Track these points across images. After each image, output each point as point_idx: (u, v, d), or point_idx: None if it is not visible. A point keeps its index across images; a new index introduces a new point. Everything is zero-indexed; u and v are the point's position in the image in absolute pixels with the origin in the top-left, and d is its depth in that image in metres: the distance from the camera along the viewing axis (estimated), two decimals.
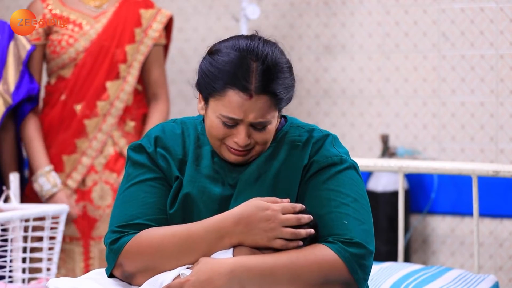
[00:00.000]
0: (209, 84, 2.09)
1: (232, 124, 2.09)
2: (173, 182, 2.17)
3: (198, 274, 1.99)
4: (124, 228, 2.10)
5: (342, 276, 2.01)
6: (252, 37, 2.13)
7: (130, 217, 2.12)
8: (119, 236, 2.10)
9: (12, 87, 3.33)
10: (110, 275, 2.13)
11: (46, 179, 3.44)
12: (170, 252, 2.05)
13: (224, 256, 2.03)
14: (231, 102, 2.06)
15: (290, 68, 2.15)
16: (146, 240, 2.06)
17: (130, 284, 2.13)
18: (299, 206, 2.05)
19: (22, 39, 3.39)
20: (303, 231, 2.02)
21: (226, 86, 2.06)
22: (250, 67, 2.06)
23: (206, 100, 2.13)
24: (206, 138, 2.19)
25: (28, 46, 3.39)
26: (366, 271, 2.04)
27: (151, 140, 2.21)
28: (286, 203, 2.05)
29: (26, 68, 3.40)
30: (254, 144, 2.12)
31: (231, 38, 2.15)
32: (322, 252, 2.01)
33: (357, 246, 2.03)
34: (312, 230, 2.03)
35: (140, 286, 2.08)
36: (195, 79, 2.17)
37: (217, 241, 2.03)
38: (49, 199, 3.44)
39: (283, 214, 2.02)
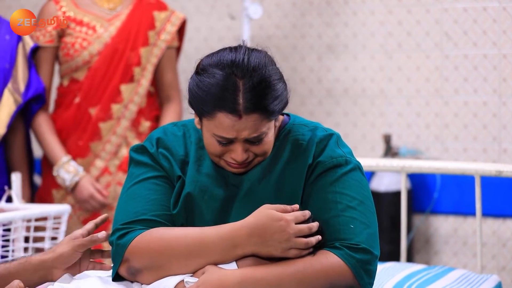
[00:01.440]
0: (198, 106, 2.07)
1: (226, 142, 2.08)
2: (175, 182, 2.17)
3: (206, 285, 1.99)
4: (130, 225, 2.10)
5: (348, 281, 2.02)
6: (238, 49, 2.08)
7: (135, 214, 2.11)
8: (125, 232, 2.09)
9: (22, 87, 3.35)
10: (116, 276, 2.11)
11: (65, 170, 3.43)
12: (180, 252, 2.04)
13: (229, 266, 2.03)
14: (222, 123, 2.04)
15: (280, 78, 2.08)
16: (156, 237, 2.05)
17: (133, 282, 2.12)
18: (308, 213, 2.04)
19: (26, 38, 3.40)
20: (314, 239, 2.02)
21: (214, 109, 2.03)
22: (237, 87, 2.02)
23: (199, 118, 2.12)
24: None
25: (31, 44, 3.40)
26: (372, 276, 2.05)
27: (153, 141, 2.21)
28: (297, 211, 2.03)
29: (33, 67, 3.40)
30: (253, 156, 2.11)
31: (217, 52, 2.10)
32: (328, 260, 2.02)
33: (363, 251, 2.03)
34: (319, 237, 2.03)
35: (144, 283, 2.07)
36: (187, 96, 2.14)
37: (230, 250, 2.02)
38: (74, 189, 3.43)
39: (296, 224, 2.01)
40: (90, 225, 2.19)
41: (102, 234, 2.12)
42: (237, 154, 2.08)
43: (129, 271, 2.08)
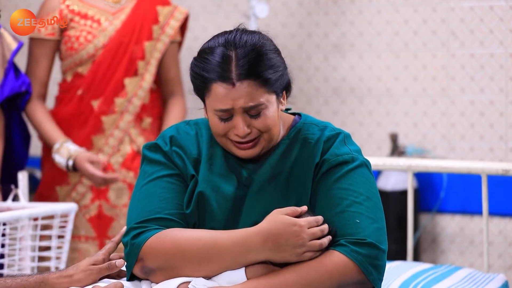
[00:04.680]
0: (197, 85, 2.12)
1: (227, 116, 2.10)
2: (189, 181, 2.17)
3: None
4: (145, 223, 2.10)
5: (356, 278, 2.02)
6: (231, 30, 2.15)
7: (149, 213, 2.11)
8: (141, 231, 2.09)
9: None
10: (131, 276, 2.12)
11: (60, 154, 3.40)
12: (193, 256, 2.04)
13: (237, 272, 2.03)
14: (218, 94, 2.07)
15: (275, 50, 2.15)
16: (170, 239, 2.06)
17: (141, 281, 2.13)
18: (321, 218, 2.04)
19: (7, 38, 3.35)
20: (327, 240, 2.03)
21: (210, 81, 2.08)
22: (229, 57, 2.07)
23: (203, 102, 2.15)
24: None
25: (14, 46, 3.35)
26: (380, 271, 2.04)
27: (166, 139, 2.22)
28: (309, 217, 2.03)
29: (12, 67, 3.35)
30: (257, 133, 2.12)
31: (213, 37, 2.16)
32: (332, 261, 2.01)
33: (370, 246, 2.03)
34: (330, 237, 2.04)
35: (157, 283, 2.08)
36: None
37: (243, 256, 2.02)
38: (75, 170, 3.39)
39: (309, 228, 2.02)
40: (111, 244, 2.20)
41: (119, 262, 2.14)
42: (239, 127, 2.09)
43: (143, 270, 2.09)
